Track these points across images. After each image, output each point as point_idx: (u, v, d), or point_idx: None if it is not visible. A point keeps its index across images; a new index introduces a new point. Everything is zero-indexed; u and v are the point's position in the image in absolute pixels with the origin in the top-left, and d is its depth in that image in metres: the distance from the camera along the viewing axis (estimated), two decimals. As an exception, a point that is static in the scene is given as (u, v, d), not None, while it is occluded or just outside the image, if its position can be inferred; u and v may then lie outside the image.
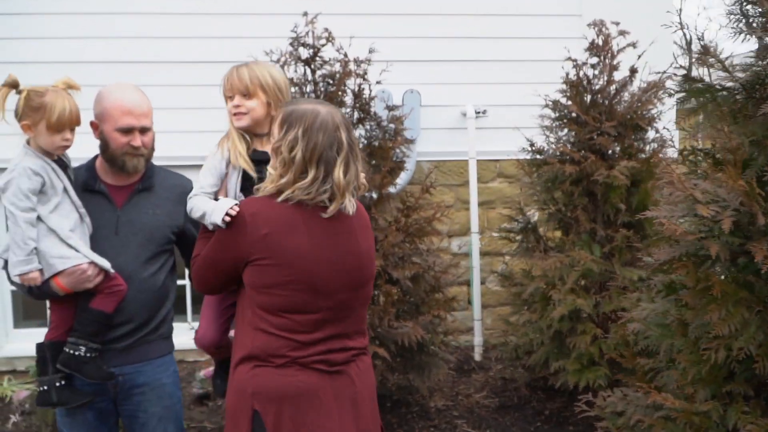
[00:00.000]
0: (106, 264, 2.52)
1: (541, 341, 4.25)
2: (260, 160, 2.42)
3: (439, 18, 5.81)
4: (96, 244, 2.60)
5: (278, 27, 4.42)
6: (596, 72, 4.45)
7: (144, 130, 2.61)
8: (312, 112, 2.11)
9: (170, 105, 4.88)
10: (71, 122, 2.45)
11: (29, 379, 5.17)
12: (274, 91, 2.43)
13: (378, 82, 4.17)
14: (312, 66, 4.18)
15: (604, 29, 4.36)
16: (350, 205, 2.15)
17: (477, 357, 5.71)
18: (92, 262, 2.49)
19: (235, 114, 2.43)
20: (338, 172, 2.08)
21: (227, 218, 2.14)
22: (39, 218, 2.46)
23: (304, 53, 4.21)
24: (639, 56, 4.45)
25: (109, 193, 2.67)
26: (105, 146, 2.62)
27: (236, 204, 2.17)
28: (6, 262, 2.52)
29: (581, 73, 4.44)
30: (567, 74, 4.45)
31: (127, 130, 2.57)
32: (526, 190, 4.58)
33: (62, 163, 2.59)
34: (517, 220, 4.77)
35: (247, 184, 2.42)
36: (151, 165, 2.76)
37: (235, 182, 2.42)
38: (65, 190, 2.53)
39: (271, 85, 2.42)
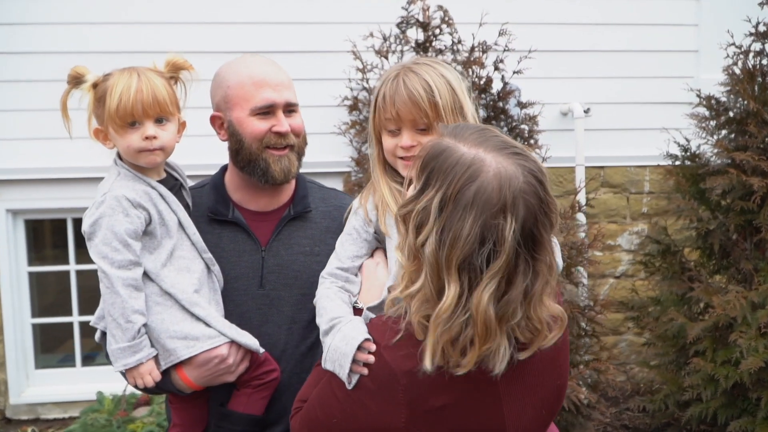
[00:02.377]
0: (253, 343, 1.67)
1: (710, 393, 3.42)
2: None
3: (535, 1, 4.96)
4: (232, 306, 1.75)
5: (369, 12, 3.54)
6: (764, 62, 3.63)
7: (290, 109, 1.77)
8: (470, 164, 1.18)
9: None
10: (146, 107, 1.58)
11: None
12: (453, 111, 1.50)
13: (517, 72, 3.32)
14: (428, 52, 3.33)
15: (780, 8, 3.54)
16: (498, 359, 1.23)
17: (582, 396, 4.88)
18: (233, 342, 1.63)
19: (403, 158, 1.52)
20: (480, 296, 1.16)
21: (353, 376, 1.30)
22: (146, 275, 1.61)
23: (415, 36, 3.36)
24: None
25: (248, 225, 1.82)
26: (238, 145, 1.77)
27: (367, 339, 1.31)
28: (104, 334, 1.67)
29: (748, 64, 3.62)
30: (736, 63, 3.62)
31: (267, 110, 1.73)
32: (678, 203, 3.74)
33: (172, 182, 1.73)
34: (658, 240, 3.94)
35: None
36: (302, 177, 1.92)
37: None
38: (181, 225, 1.68)
39: (450, 103, 1.49)
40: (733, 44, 3.64)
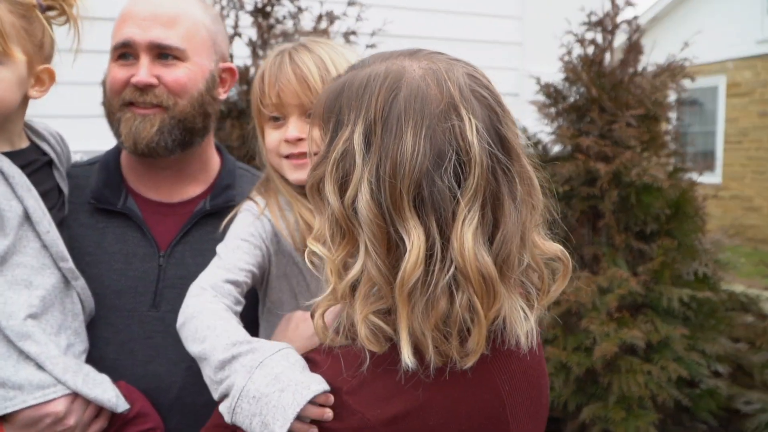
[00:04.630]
0: (108, 398, 1.15)
1: (562, 380, 3.39)
2: None
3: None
4: (109, 332, 1.26)
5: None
6: (597, 51, 3.71)
7: (163, 53, 1.25)
8: (386, 74, 0.88)
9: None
10: None
11: None
12: None
13: (370, 46, 3.00)
14: (269, 19, 2.88)
15: (612, -3, 3.63)
16: (522, 328, 0.91)
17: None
18: (75, 395, 1.11)
19: (289, 157, 1.20)
20: (461, 235, 0.83)
21: None
22: None
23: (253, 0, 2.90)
24: (633, 33, 3.81)
25: (144, 219, 1.31)
26: (103, 100, 1.32)
27: (319, 383, 0.88)
28: None
29: (581, 53, 3.68)
30: (570, 52, 3.66)
31: (125, 51, 1.25)
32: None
33: (33, 157, 1.21)
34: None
35: None
36: (229, 161, 1.43)
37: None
38: (28, 219, 1.14)
39: None
40: (571, 32, 3.67)
